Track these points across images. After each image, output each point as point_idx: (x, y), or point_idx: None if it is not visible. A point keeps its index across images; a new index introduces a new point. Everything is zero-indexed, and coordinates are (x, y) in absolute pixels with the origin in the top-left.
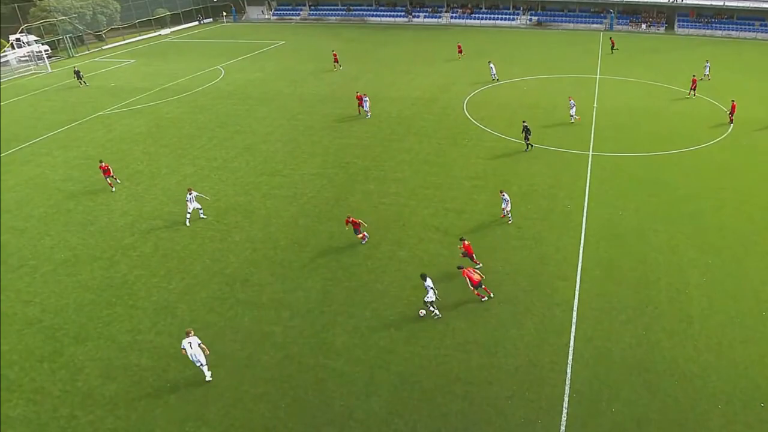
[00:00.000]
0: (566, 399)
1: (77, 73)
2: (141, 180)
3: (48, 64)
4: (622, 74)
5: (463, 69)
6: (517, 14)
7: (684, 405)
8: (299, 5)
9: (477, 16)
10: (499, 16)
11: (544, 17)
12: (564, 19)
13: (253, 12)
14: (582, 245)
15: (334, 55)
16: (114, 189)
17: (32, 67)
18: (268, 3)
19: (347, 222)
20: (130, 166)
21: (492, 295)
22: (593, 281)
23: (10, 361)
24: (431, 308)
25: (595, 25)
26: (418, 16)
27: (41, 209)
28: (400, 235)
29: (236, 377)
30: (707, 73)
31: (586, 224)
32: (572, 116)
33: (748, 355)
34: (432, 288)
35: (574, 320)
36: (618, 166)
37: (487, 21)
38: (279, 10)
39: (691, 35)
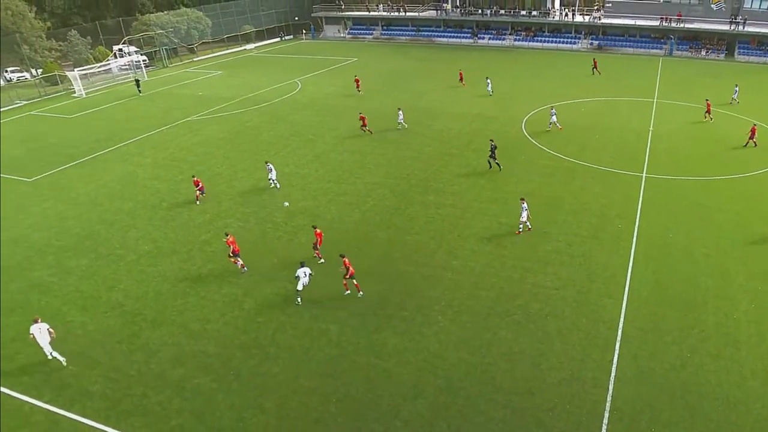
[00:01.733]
0: (606, 416)
1: (137, 81)
2: (220, 182)
3: (145, 73)
4: (680, 99)
5: (523, 89)
6: (579, 38)
7: (725, 431)
8: (372, 25)
9: (540, 39)
10: (561, 39)
11: (605, 41)
12: (624, 43)
13: (330, 30)
14: (631, 265)
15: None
16: (198, 202)
17: (131, 75)
18: (344, 22)
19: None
20: (211, 169)
21: (361, 293)
22: (640, 301)
23: (93, 341)
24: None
25: (654, 50)
26: (483, 38)
27: (130, 204)
28: (454, 246)
29: (293, 370)
30: (735, 96)
31: (636, 244)
32: (551, 123)
33: None
34: (304, 276)
35: (618, 338)
36: (671, 189)
37: (549, 44)
38: (354, 29)
39: (752, 62)
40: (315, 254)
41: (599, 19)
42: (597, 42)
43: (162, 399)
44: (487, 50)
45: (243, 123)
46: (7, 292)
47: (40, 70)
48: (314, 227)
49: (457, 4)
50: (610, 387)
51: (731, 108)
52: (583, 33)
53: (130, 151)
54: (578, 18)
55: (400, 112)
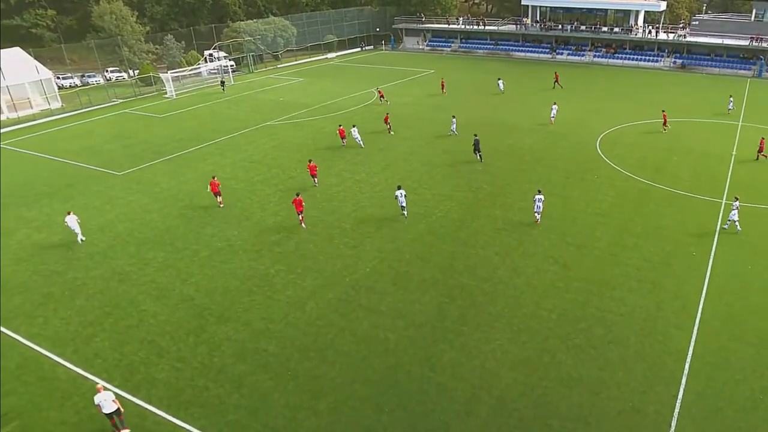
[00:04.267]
0: None
1: (222, 83)
2: (293, 185)
3: (231, 77)
4: (767, 123)
5: (600, 106)
6: (662, 56)
7: None
8: (451, 38)
9: (620, 56)
10: (643, 57)
11: (689, 60)
12: (710, 63)
13: (410, 42)
14: (703, 295)
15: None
16: (220, 205)
17: (219, 79)
18: (424, 34)
19: (297, 203)
20: (286, 172)
21: (305, 225)
22: (711, 334)
23: (163, 331)
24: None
25: (742, 71)
26: (562, 53)
27: (208, 202)
28: (518, 263)
29: (349, 376)
30: (731, 107)
31: (710, 274)
32: (552, 117)
33: None
34: (400, 197)
35: (685, 372)
36: (752, 217)
37: (630, 61)
38: (432, 41)
39: None
40: (299, 220)
41: (684, 37)
42: (680, 61)
43: (221, 393)
44: (565, 66)
45: (319, 129)
46: (89, 278)
47: (137, 71)
48: (297, 194)
49: (537, 18)
50: (673, 423)
51: None
52: (666, 51)
53: (212, 151)
54: (662, 35)
55: (454, 120)
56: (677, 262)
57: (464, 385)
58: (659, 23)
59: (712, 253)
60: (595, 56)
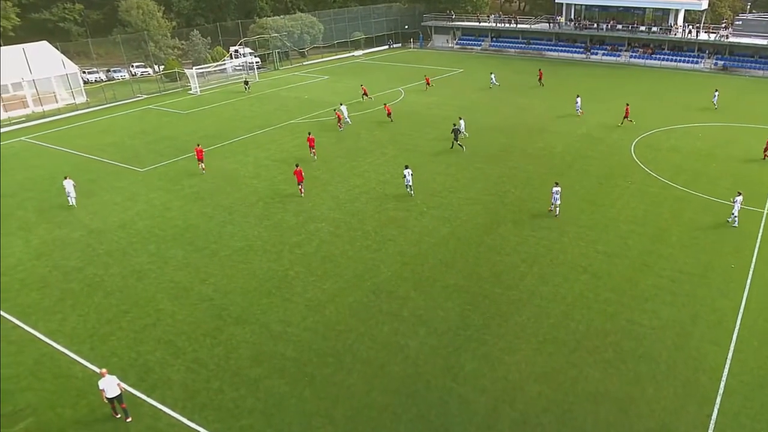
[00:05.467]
0: None
1: (246, 83)
2: (316, 185)
3: (257, 74)
4: None
5: (636, 109)
6: (702, 57)
7: None
8: (482, 36)
9: (658, 56)
10: (682, 58)
11: (731, 62)
12: (753, 65)
13: (439, 40)
14: (742, 310)
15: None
16: (203, 171)
17: (243, 76)
18: (453, 32)
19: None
20: (308, 172)
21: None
22: (749, 352)
23: (180, 331)
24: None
25: None
26: (596, 54)
27: (229, 200)
28: (545, 271)
29: (367, 383)
30: (715, 101)
31: (749, 288)
32: (578, 110)
33: None
34: (408, 175)
35: (720, 391)
36: None
37: (668, 62)
38: (462, 39)
39: None
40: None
41: (726, 38)
42: (722, 62)
43: (236, 396)
44: (600, 66)
45: (344, 129)
46: (108, 275)
47: (162, 66)
48: (297, 165)
49: (572, 17)
50: None
51: None
52: (707, 52)
53: (234, 149)
54: (703, 36)
55: (462, 121)
56: (714, 275)
57: (486, 397)
58: (700, 23)
59: (752, 266)
60: (631, 57)
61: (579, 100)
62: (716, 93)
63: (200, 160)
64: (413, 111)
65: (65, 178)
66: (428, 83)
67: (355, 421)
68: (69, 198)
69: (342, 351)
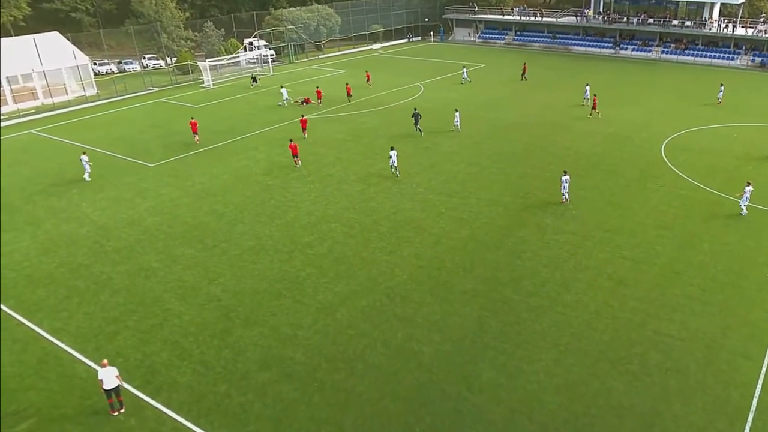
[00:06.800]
0: None
1: (254, 79)
2: (330, 183)
3: (271, 68)
4: None
5: (667, 107)
6: (738, 54)
7: None
8: (505, 29)
9: (691, 52)
10: (717, 54)
11: None
12: None
13: (460, 33)
14: None
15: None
16: (197, 142)
17: (257, 69)
18: (476, 25)
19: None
20: (323, 170)
21: (299, 166)
22: None
23: (187, 332)
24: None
25: None
26: (626, 49)
27: (240, 198)
28: (568, 277)
29: (378, 390)
30: (720, 96)
31: None
32: (585, 99)
33: None
34: (393, 156)
35: (753, 408)
36: None
37: (702, 59)
38: (485, 33)
39: None
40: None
41: (765, 33)
42: (760, 59)
43: (244, 401)
44: (630, 62)
45: (359, 125)
46: (116, 273)
47: (175, 58)
48: (291, 140)
49: (600, 10)
50: None
51: None
52: (743, 48)
53: (246, 145)
54: (739, 31)
55: (457, 114)
56: (748, 284)
57: (503, 408)
58: (737, 17)
59: None
60: (663, 52)
61: (588, 88)
62: (722, 87)
63: (195, 132)
64: (432, 108)
65: (83, 153)
66: (368, 79)
67: (365, 430)
68: (86, 174)
69: (353, 356)
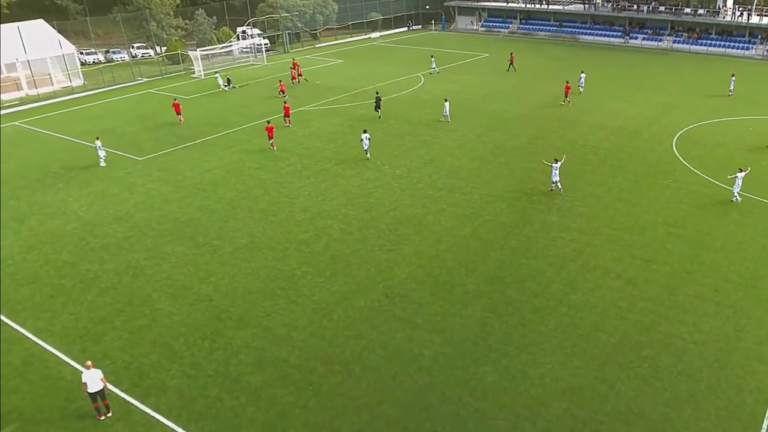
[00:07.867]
0: None
1: (228, 80)
2: (326, 177)
3: (265, 57)
4: None
5: (679, 99)
6: (753, 43)
7: None
8: (509, 17)
9: (704, 41)
10: (731, 43)
11: None
12: None
13: (462, 22)
14: None
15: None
16: (180, 121)
17: (251, 59)
18: (479, 13)
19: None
20: (318, 164)
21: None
22: None
23: (177, 333)
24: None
25: None
26: (636, 38)
27: (232, 193)
28: (575, 277)
29: (377, 395)
30: (731, 88)
31: None
32: (580, 87)
33: None
34: (365, 140)
35: None
36: None
37: (715, 48)
38: (488, 21)
39: None
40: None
41: None
42: None
43: (235, 405)
44: (640, 52)
45: (357, 117)
46: (103, 271)
47: (164, 47)
48: (268, 121)
49: None
50: None
51: None
52: (759, 37)
53: (239, 137)
54: (755, 19)
55: (447, 104)
56: (763, 284)
57: (506, 413)
58: (752, 5)
59: None
60: (675, 42)
61: (583, 76)
62: (733, 78)
63: (178, 113)
64: (433, 100)
65: (97, 138)
66: (294, 77)
67: None
68: (101, 161)
69: (350, 359)
